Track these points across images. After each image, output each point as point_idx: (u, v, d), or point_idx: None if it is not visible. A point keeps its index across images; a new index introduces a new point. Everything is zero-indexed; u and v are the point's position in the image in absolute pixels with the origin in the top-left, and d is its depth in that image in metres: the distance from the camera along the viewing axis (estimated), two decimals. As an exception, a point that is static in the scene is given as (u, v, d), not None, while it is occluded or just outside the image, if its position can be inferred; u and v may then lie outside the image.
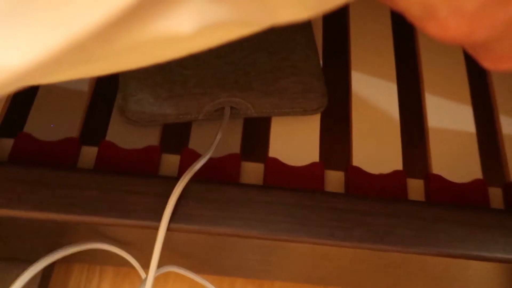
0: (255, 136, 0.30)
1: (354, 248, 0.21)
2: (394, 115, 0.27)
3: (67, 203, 0.22)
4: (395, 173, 0.24)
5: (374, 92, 0.28)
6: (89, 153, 0.26)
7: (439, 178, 0.25)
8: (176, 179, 0.23)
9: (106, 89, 0.31)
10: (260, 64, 0.28)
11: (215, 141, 0.26)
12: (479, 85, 0.31)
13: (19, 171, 0.23)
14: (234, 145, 0.27)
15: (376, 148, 0.26)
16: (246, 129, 0.29)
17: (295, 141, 0.27)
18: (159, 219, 0.21)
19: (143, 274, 0.26)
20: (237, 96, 0.27)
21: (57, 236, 0.24)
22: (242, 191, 0.22)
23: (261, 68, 0.28)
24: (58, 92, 0.28)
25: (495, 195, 0.25)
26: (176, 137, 0.31)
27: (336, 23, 0.33)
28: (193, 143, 0.27)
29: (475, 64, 0.31)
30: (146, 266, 0.28)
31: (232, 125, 0.27)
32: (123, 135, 0.27)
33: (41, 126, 0.26)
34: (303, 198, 0.22)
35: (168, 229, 0.21)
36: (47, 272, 0.28)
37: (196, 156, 0.26)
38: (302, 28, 0.30)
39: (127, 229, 0.23)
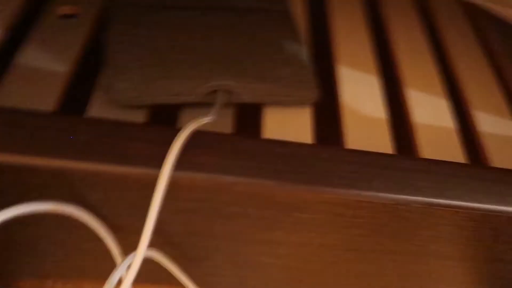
0: (247, 123, 0.29)
1: (375, 200, 0.19)
2: (380, 106, 0.28)
3: (46, 146, 0.19)
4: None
5: (359, 85, 0.29)
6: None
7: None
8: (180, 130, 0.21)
9: (87, 70, 0.29)
10: (254, 55, 0.29)
11: (215, 107, 0.25)
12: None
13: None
14: (225, 131, 0.26)
15: (367, 136, 0.26)
16: (238, 116, 0.28)
17: (288, 130, 0.26)
18: (160, 165, 0.19)
19: (118, 259, 0.22)
20: (231, 79, 0.27)
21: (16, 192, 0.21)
22: (256, 143, 0.20)
23: (255, 58, 0.28)
24: (31, 72, 0.25)
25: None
26: (163, 121, 0.29)
27: (319, 23, 0.35)
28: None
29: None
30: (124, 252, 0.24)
31: (223, 114, 0.26)
32: (105, 116, 0.25)
33: (10, 105, 0.23)
34: (321, 152, 0.20)
35: (172, 178, 0.19)
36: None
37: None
38: (291, 28, 0.31)
39: (114, 190, 0.20)
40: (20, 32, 0.29)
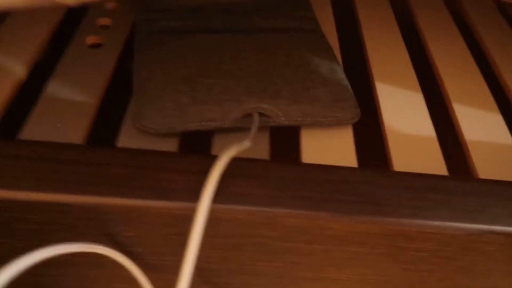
0: (284, 147, 0.27)
1: (443, 231, 0.17)
2: (427, 124, 0.25)
3: (82, 181, 0.17)
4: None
5: (401, 103, 0.27)
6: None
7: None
8: (217, 157, 0.19)
9: (115, 100, 0.28)
10: (288, 75, 0.27)
11: (252, 132, 0.23)
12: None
13: (22, 148, 0.18)
14: (262, 156, 0.24)
15: (416, 157, 0.24)
16: (274, 140, 0.26)
17: (329, 150, 0.24)
18: (198, 198, 0.17)
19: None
20: (266, 102, 0.25)
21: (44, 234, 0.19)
22: (303, 170, 0.18)
23: (289, 78, 0.27)
24: (60, 104, 0.24)
25: None
26: (196, 148, 0.27)
27: (351, 40, 0.34)
28: (216, 153, 0.24)
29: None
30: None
31: (258, 136, 0.25)
32: (135, 145, 0.23)
33: (38, 135, 0.22)
34: (377, 177, 0.18)
35: (211, 210, 0.17)
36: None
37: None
38: (324, 46, 0.30)
39: (149, 226, 0.18)
40: (49, 63, 0.28)
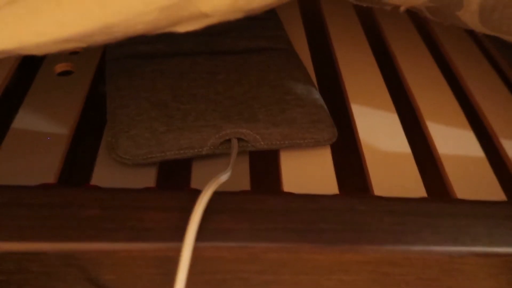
0: (264, 171, 0.27)
1: (426, 256, 0.17)
2: (402, 141, 0.26)
3: (55, 226, 0.17)
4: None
5: (377, 121, 0.27)
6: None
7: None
8: (198, 192, 0.18)
9: (89, 130, 0.27)
10: (263, 98, 0.27)
11: (232, 159, 0.23)
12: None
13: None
14: (242, 182, 0.24)
15: (394, 175, 0.24)
16: (253, 164, 0.26)
17: (309, 174, 0.24)
18: (181, 237, 0.17)
19: None
20: (244, 127, 0.25)
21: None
22: (283, 200, 0.18)
23: (265, 101, 0.27)
24: (30, 136, 0.23)
25: None
26: (175, 176, 0.27)
27: (323, 60, 0.34)
28: (196, 182, 0.23)
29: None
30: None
31: (237, 162, 0.24)
32: (112, 178, 0.22)
33: (9, 172, 0.21)
34: (356, 203, 0.18)
35: (195, 249, 0.17)
36: None
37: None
38: (298, 65, 0.30)
39: (130, 268, 0.18)
40: (17, 93, 0.27)
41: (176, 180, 0.27)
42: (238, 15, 0.17)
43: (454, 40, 0.36)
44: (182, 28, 0.17)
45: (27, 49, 0.14)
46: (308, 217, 0.18)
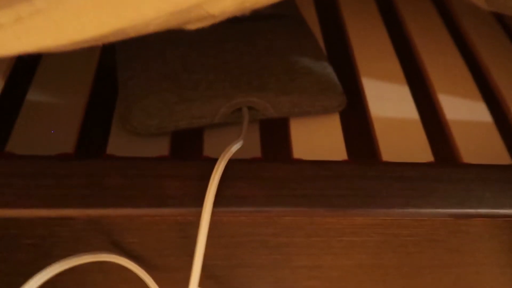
0: (275, 139, 0.28)
1: (434, 218, 0.18)
2: (411, 109, 0.26)
3: (79, 195, 0.17)
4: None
5: (386, 89, 0.27)
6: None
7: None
8: (214, 160, 0.19)
9: (102, 101, 0.28)
10: (272, 67, 0.27)
11: (243, 129, 0.23)
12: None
13: (14, 164, 0.18)
14: (254, 149, 0.24)
15: (402, 141, 0.25)
16: (264, 132, 0.26)
17: (319, 141, 0.25)
18: (200, 204, 0.18)
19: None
20: (254, 95, 0.25)
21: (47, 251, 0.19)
22: (296, 168, 0.19)
23: (274, 70, 0.27)
24: (44, 110, 0.24)
25: None
26: (188, 145, 0.27)
27: (333, 29, 0.34)
28: (209, 151, 0.24)
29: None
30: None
31: (248, 131, 0.25)
32: (126, 147, 0.23)
33: (27, 144, 0.22)
34: (367, 169, 0.19)
35: (214, 213, 0.18)
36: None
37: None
38: (306, 33, 0.30)
39: (153, 232, 0.19)
40: (26, 69, 0.28)
41: (188, 149, 0.27)
42: (245, 12, 0.18)
43: (470, 12, 0.35)
44: (191, 27, 0.18)
45: (47, 50, 0.15)
46: (320, 184, 0.18)
